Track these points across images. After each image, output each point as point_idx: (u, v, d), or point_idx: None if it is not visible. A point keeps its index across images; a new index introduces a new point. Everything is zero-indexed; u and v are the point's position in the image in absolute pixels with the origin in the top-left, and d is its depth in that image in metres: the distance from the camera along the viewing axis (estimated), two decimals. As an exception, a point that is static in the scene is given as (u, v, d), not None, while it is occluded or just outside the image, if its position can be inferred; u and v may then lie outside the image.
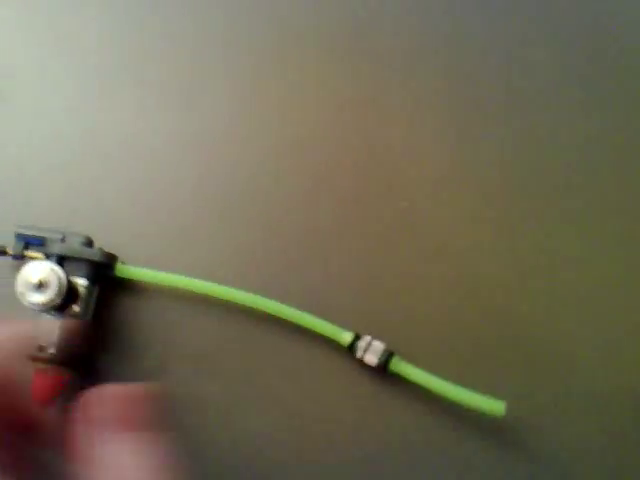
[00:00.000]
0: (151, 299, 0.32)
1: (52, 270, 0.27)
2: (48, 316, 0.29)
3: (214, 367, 0.31)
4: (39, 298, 0.27)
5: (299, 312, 0.30)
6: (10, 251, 0.30)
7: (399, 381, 0.30)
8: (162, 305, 0.32)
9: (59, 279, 0.27)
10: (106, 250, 0.30)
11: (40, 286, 0.27)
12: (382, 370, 0.30)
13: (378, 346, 0.30)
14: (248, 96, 0.35)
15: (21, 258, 0.30)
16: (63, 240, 0.30)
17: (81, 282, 0.29)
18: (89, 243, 0.30)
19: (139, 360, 0.31)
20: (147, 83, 0.35)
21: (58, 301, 0.27)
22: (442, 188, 0.34)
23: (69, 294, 0.28)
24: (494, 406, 0.29)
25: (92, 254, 0.29)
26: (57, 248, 0.29)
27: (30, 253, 0.30)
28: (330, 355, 0.31)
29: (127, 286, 0.32)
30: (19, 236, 0.30)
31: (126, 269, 0.30)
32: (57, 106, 0.34)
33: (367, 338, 0.30)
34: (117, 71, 0.35)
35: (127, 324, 0.32)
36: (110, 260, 0.30)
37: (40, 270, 0.27)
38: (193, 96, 0.35)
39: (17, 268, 0.30)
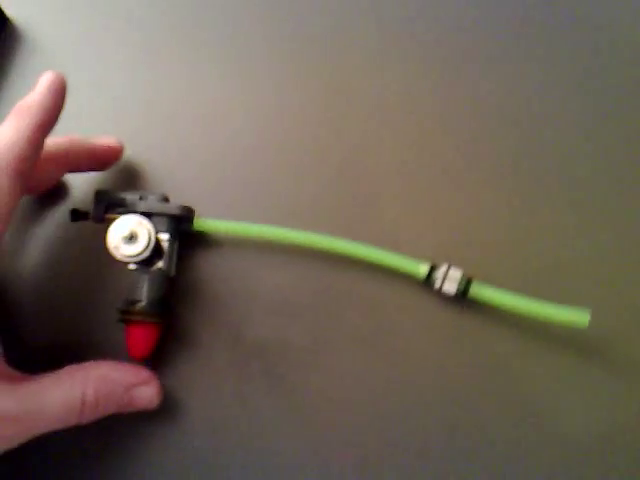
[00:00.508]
0: (226, 254, 0.33)
1: (141, 223, 0.28)
2: (137, 272, 0.30)
3: (296, 312, 0.32)
4: (131, 250, 0.28)
5: (374, 249, 0.31)
6: (91, 215, 0.31)
7: (478, 308, 0.31)
8: (238, 258, 0.33)
9: (148, 230, 0.28)
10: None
11: (131, 238, 0.28)
12: (461, 297, 0.30)
13: (456, 274, 0.30)
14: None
15: (102, 221, 0.31)
16: (141, 199, 0.31)
17: (164, 237, 0.30)
18: (165, 200, 0.31)
19: (222, 313, 0.32)
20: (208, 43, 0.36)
21: (148, 252, 0.28)
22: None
23: (155, 248, 0.29)
24: (578, 316, 0.29)
25: (171, 209, 0.30)
26: (137, 207, 0.30)
27: (110, 215, 0.31)
28: (407, 290, 0.32)
29: (203, 243, 0.33)
30: (99, 199, 0.31)
31: (204, 222, 0.31)
32: (117, 74, 0.35)
33: (444, 268, 0.30)
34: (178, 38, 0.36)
35: (207, 279, 0.33)
36: (189, 213, 0.31)
37: (130, 223, 0.28)
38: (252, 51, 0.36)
39: (95, 234, 0.31)
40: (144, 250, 0.28)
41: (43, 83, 0.26)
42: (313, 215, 0.33)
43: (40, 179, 0.30)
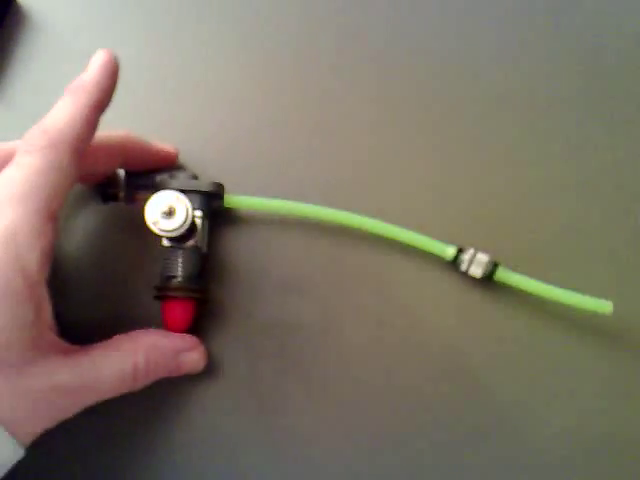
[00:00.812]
0: (256, 231, 0.33)
1: (179, 198, 0.29)
2: (171, 249, 0.30)
3: (318, 290, 0.33)
4: (170, 225, 0.28)
5: (402, 230, 0.32)
6: (122, 196, 0.32)
7: (503, 291, 0.32)
8: (267, 235, 0.33)
9: (185, 205, 0.29)
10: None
11: (170, 213, 0.28)
12: (486, 281, 0.31)
13: (483, 258, 0.31)
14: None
15: (133, 201, 0.32)
16: (171, 177, 0.31)
17: (196, 214, 0.31)
18: (195, 178, 0.32)
19: (254, 289, 0.33)
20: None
21: (186, 227, 0.29)
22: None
23: (191, 224, 0.30)
24: (601, 305, 0.30)
25: (202, 185, 0.31)
26: (169, 184, 0.31)
27: (141, 195, 0.32)
28: (433, 271, 0.33)
29: (230, 220, 0.33)
30: (129, 180, 0.32)
31: (234, 199, 0.32)
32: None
33: (471, 251, 0.31)
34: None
35: (235, 255, 0.33)
36: (219, 189, 0.31)
37: (168, 198, 0.28)
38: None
39: (124, 216, 0.32)
40: (182, 225, 0.28)
41: (97, 62, 0.26)
42: (341, 194, 0.34)
43: (90, 168, 0.29)
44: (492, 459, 0.31)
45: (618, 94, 0.35)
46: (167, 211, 0.28)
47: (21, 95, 0.34)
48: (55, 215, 0.24)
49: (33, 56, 0.35)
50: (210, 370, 0.31)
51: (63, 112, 0.25)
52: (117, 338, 0.28)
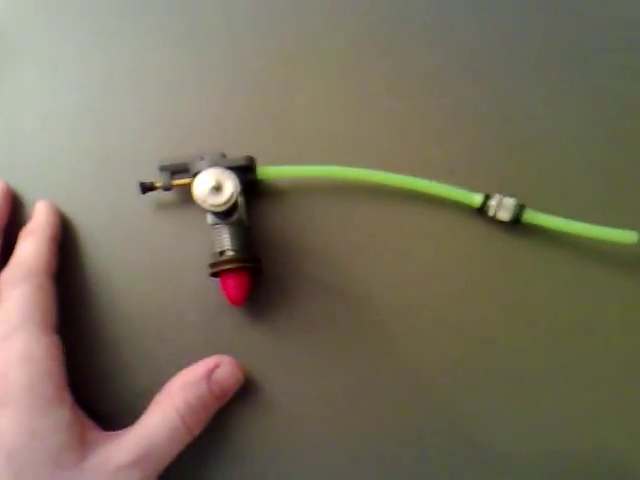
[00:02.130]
0: (288, 200, 0.35)
1: (224, 172, 0.30)
2: (217, 228, 0.32)
3: (353, 251, 0.34)
4: (219, 199, 0.30)
5: (431, 182, 0.33)
6: (159, 184, 0.33)
7: (531, 234, 0.34)
8: (298, 204, 0.35)
9: (232, 179, 0.30)
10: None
11: (217, 188, 0.30)
12: (515, 224, 0.33)
13: (509, 202, 0.33)
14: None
15: (170, 188, 0.33)
16: (202, 159, 0.32)
17: (237, 189, 0.32)
18: (224, 156, 0.33)
19: (299, 259, 0.34)
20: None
21: (234, 199, 0.30)
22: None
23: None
24: (626, 236, 0.32)
25: (235, 161, 0.32)
26: (202, 165, 0.32)
27: (177, 181, 0.33)
28: (462, 219, 0.34)
29: (264, 196, 0.34)
30: (163, 168, 0.33)
31: (267, 170, 0.33)
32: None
33: (497, 196, 0.33)
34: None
35: (273, 226, 0.34)
36: (252, 162, 0.33)
37: (215, 174, 0.30)
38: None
39: (160, 206, 0.33)
40: (230, 198, 0.30)
41: (41, 208, 0.33)
42: (365, 153, 0.35)
43: None
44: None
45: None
46: (216, 186, 0.29)
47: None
48: (54, 326, 0.28)
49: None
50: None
51: (29, 248, 0.30)
52: (155, 399, 0.29)
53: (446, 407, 0.32)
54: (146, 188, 0.32)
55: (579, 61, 0.37)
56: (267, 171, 0.33)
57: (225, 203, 0.30)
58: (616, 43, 0.37)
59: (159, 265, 0.33)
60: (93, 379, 0.32)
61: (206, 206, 0.30)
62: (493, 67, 0.37)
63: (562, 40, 0.37)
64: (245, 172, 0.33)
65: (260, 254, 0.33)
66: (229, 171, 0.30)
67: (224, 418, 0.32)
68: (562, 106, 0.36)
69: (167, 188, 0.32)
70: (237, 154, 0.33)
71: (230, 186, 0.30)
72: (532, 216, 0.33)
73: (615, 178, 0.35)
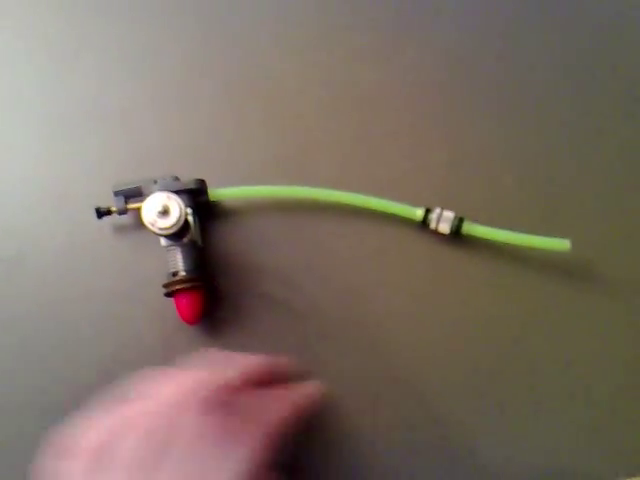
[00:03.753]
0: (241, 220, 0.36)
1: (170, 197, 0.31)
2: (171, 249, 0.33)
3: (317, 262, 0.35)
4: (166, 222, 0.31)
5: (376, 199, 0.34)
6: (114, 209, 0.34)
7: (470, 245, 0.35)
8: (249, 222, 0.36)
9: (178, 203, 0.31)
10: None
11: (164, 212, 0.31)
12: (455, 235, 0.34)
13: (449, 215, 0.34)
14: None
15: (125, 212, 0.34)
16: (155, 182, 0.33)
17: (187, 211, 0.33)
18: (176, 179, 0.34)
19: (253, 277, 0.35)
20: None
21: (180, 223, 0.31)
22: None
23: (185, 220, 0.32)
24: (560, 244, 0.33)
25: (187, 184, 0.33)
26: (155, 189, 0.33)
27: (132, 205, 0.34)
28: (407, 233, 0.35)
29: (218, 216, 0.35)
30: (117, 193, 0.34)
31: (218, 191, 0.34)
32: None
33: (437, 210, 0.34)
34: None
35: (228, 245, 0.35)
36: (203, 185, 0.34)
37: (161, 199, 0.31)
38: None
39: (117, 229, 0.34)
40: (177, 221, 0.31)
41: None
42: (315, 173, 0.36)
43: None
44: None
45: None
46: (162, 210, 0.31)
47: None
48: None
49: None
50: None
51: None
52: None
53: (390, 417, 0.33)
54: (102, 213, 0.33)
55: (509, 79, 0.38)
56: (219, 193, 0.34)
57: (173, 226, 0.31)
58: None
59: (118, 287, 0.34)
60: (52, 402, 0.33)
61: (155, 229, 0.31)
62: (430, 85, 0.38)
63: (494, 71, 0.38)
64: (197, 195, 0.34)
65: (215, 273, 0.34)
66: (175, 195, 0.31)
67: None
68: (496, 122, 0.37)
69: (122, 212, 0.33)
70: (192, 177, 0.34)
71: (176, 209, 0.31)
72: (471, 228, 0.34)
73: (547, 191, 0.36)
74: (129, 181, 0.34)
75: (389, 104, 0.37)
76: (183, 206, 0.31)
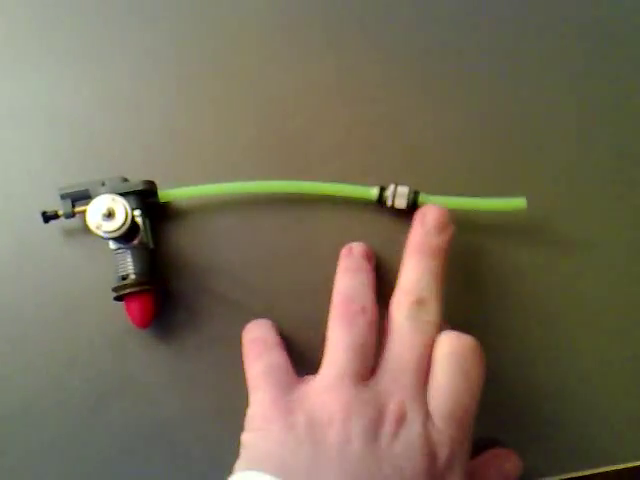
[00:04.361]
0: (195, 219, 0.35)
1: (114, 199, 0.31)
2: (120, 252, 0.32)
3: (273, 259, 0.35)
4: (112, 225, 0.30)
5: (328, 184, 0.34)
6: (61, 213, 0.33)
7: None
8: (204, 224, 0.35)
9: (123, 204, 0.31)
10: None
11: (109, 215, 0.30)
12: (412, 209, 0.34)
13: (403, 190, 0.34)
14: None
15: (73, 216, 0.33)
16: (103, 184, 0.33)
17: (135, 213, 0.33)
18: (125, 180, 0.34)
19: (205, 278, 0.35)
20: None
21: (127, 226, 0.31)
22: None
23: (132, 222, 0.32)
24: (516, 203, 0.33)
25: (135, 185, 0.33)
26: (102, 191, 0.32)
27: (79, 208, 0.33)
28: (363, 216, 0.35)
29: (171, 217, 0.35)
30: (64, 196, 0.33)
31: (168, 192, 0.34)
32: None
33: (391, 187, 0.34)
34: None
35: (182, 246, 0.35)
36: (151, 186, 0.33)
37: (105, 202, 0.30)
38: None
39: (67, 233, 0.34)
40: (123, 223, 0.30)
41: None
42: (265, 165, 0.36)
43: None
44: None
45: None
46: (107, 213, 0.30)
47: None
48: None
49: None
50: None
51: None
52: None
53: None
54: (48, 217, 0.33)
55: (456, 58, 0.38)
56: (168, 194, 0.34)
57: (119, 229, 0.30)
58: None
59: (68, 292, 0.34)
60: (3, 406, 0.32)
61: (100, 233, 0.30)
62: (381, 69, 0.37)
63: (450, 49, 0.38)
64: (146, 196, 0.33)
65: (167, 275, 0.34)
66: (121, 197, 0.31)
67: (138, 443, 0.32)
68: (439, 99, 0.37)
69: (69, 215, 0.33)
70: (143, 177, 0.33)
71: (122, 212, 0.30)
72: (427, 199, 0.34)
73: (494, 152, 0.36)
74: (76, 183, 0.33)
75: (339, 94, 0.37)
76: (129, 208, 0.31)
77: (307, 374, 0.30)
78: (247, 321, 0.34)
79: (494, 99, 0.37)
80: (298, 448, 0.25)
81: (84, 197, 0.33)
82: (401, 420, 0.26)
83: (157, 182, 0.34)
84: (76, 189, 0.33)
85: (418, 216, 0.32)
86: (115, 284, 0.32)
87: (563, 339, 0.35)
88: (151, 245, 0.33)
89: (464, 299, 0.35)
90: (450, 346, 0.28)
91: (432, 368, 0.28)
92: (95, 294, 0.34)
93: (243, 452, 0.27)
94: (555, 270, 0.35)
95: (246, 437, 0.28)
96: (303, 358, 0.33)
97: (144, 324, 0.32)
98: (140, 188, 0.33)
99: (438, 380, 0.27)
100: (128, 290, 0.32)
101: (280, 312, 0.34)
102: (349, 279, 0.31)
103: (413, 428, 0.26)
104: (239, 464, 0.27)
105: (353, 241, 0.35)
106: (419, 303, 0.29)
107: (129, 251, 0.32)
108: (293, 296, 0.34)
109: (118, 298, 0.32)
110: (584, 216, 0.36)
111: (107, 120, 0.36)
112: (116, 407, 0.33)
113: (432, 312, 0.29)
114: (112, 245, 0.32)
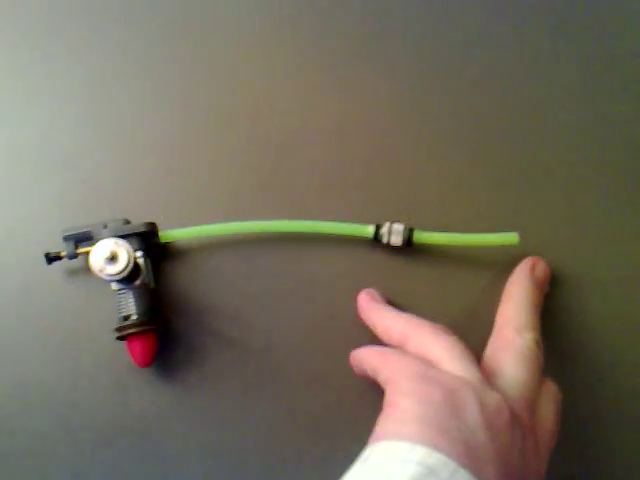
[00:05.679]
0: (194, 258, 0.36)
1: (117, 243, 0.31)
2: (122, 292, 0.33)
3: (272, 297, 0.36)
4: (115, 269, 0.31)
5: (325, 223, 0.35)
6: (64, 254, 0.34)
7: (423, 253, 0.36)
8: (204, 263, 0.36)
9: (126, 248, 0.31)
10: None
11: (112, 258, 0.31)
12: (408, 245, 0.35)
13: (398, 227, 0.35)
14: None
15: (75, 257, 0.34)
16: (105, 227, 0.34)
17: (137, 254, 0.33)
18: (127, 222, 0.34)
19: (206, 316, 0.35)
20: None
21: (129, 269, 0.31)
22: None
23: (134, 264, 0.32)
24: (509, 238, 0.34)
25: (136, 227, 0.34)
26: (105, 234, 0.33)
27: (82, 250, 0.34)
28: (359, 253, 0.36)
29: (171, 257, 0.36)
30: (67, 238, 0.34)
31: (168, 234, 0.35)
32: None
33: (387, 224, 0.35)
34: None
35: (183, 285, 0.36)
36: (153, 228, 0.34)
37: (108, 245, 0.31)
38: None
39: (69, 273, 0.34)
40: (126, 266, 0.31)
41: None
42: (265, 206, 0.37)
43: None
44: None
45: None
46: (110, 257, 0.31)
47: None
48: None
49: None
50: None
51: None
52: None
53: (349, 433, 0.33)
54: (51, 259, 0.34)
55: (449, 98, 0.38)
56: (169, 235, 0.35)
57: (121, 272, 0.31)
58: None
59: (71, 331, 0.35)
60: (4, 452, 0.33)
61: (103, 276, 0.31)
62: (377, 110, 0.38)
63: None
64: (148, 237, 0.34)
65: (168, 314, 0.35)
66: (123, 240, 0.31)
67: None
68: (432, 137, 0.38)
69: (72, 257, 0.34)
70: (145, 218, 0.34)
71: (124, 255, 0.31)
72: (422, 236, 0.35)
73: (487, 189, 0.37)
74: (79, 225, 0.34)
75: (333, 135, 0.38)
76: (132, 251, 0.31)
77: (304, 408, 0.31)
78: (247, 357, 0.34)
79: (486, 137, 0.38)
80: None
81: (87, 238, 0.34)
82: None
83: (157, 222, 0.34)
84: (79, 231, 0.34)
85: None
86: (117, 324, 0.33)
87: (552, 370, 0.35)
88: (152, 285, 0.34)
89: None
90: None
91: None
92: (97, 334, 0.34)
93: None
94: (548, 302, 0.36)
95: None
96: (300, 390, 0.34)
97: (146, 363, 0.33)
98: (142, 230, 0.33)
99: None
100: (130, 330, 0.32)
101: (278, 348, 0.35)
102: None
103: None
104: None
105: (350, 278, 0.35)
106: None
107: (131, 292, 0.33)
108: (292, 332, 0.35)
109: (120, 338, 0.33)
110: (576, 250, 0.36)
111: (108, 161, 0.37)
112: (119, 444, 0.33)
113: None
114: (114, 286, 0.33)
